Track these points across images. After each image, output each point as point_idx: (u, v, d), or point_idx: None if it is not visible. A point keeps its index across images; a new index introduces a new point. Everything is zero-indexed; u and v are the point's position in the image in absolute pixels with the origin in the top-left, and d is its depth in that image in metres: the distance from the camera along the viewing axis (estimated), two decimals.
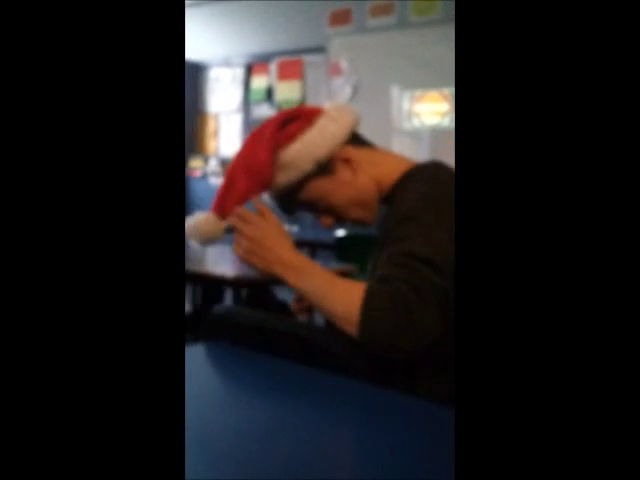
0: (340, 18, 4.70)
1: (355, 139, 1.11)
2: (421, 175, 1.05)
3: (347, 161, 1.09)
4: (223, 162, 5.46)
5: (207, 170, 5.44)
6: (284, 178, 1.07)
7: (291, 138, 1.06)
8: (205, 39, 5.73)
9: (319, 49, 4.83)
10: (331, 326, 0.95)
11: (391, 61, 4.33)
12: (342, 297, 0.90)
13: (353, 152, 1.09)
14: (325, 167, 1.08)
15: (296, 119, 1.09)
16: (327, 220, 1.13)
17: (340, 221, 1.13)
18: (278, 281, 0.96)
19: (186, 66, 5.65)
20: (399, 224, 0.95)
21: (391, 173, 1.09)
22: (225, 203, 1.05)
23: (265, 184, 1.05)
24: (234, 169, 1.06)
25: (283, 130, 1.07)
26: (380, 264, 0.93)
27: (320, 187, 1.09)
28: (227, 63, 5.61)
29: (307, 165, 1.06)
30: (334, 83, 4.69)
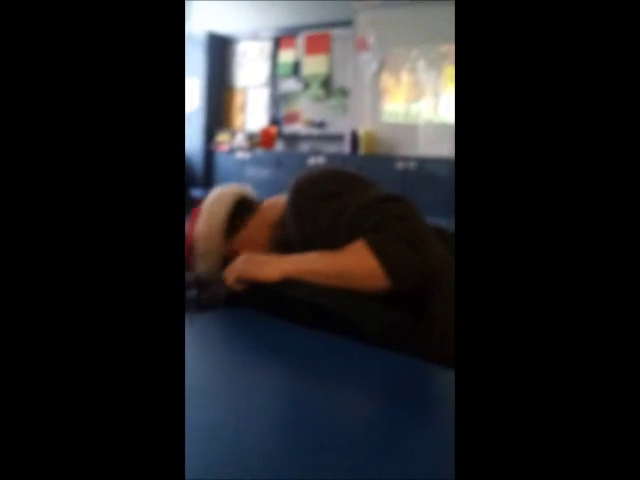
0: None
1: (242, 207, 1.22)
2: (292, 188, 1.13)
3: (230, 242, 1.20)
4: (250, 137, 5.49)
5: (234, 145, 5.48)
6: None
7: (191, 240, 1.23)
8: (233, 13, 5.72)
9: (346, 23, 4.80)
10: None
11: (418, 35, 4.29)
12: (353, 261, 0.94)
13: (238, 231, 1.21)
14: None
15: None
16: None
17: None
18: (280, 285, 0.99)
19: (214, 40, 5.66)
20: (316, 217, 1.02)
21: (276, 210, 1.18)
22: None
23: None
24: None
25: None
26: (347, 230, 0.99)
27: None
28: (255, 37, 5.60)
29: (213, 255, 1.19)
30: (361, 57, 4.66)
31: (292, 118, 5.35)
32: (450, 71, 4.20)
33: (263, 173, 5.05)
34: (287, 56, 5.38)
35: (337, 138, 4.91)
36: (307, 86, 5.17)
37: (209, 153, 5.61)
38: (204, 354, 0.87)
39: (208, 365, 0.82)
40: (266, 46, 5.55)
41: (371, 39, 4.59)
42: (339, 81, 4.97)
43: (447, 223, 1.10)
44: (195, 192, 3.09)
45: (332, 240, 1.02)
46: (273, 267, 0.99)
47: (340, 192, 1.01)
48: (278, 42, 5.46)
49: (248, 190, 1.28)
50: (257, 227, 1.20)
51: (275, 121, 5.48)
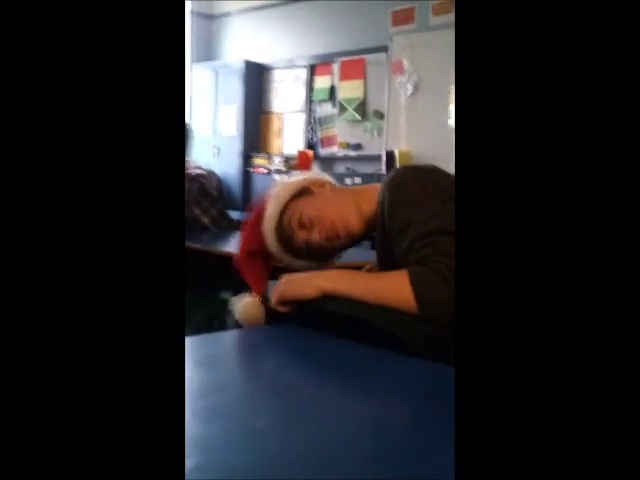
0: (403, 17, 4.73)
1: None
2: (387, 183, 1.14)
3: (322, 185, 1.24)
4: (287, 160, 5.58)
5: (271, 168, 5.58)
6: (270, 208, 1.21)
7: None
8: (269, 41, 5.86)
9: (381, 48, 4.87)
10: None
11: (452, 59, 4.32)
12: (390, 286, 0.97)
13: (329, 185, 1.26)
14: (303, 192, 1.23)
15: None
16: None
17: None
18: (320, 301, 1.01)
19: (251, 68, 5.80)
20: (393, 217, 1.07)
21: (373, 200, 1.18)
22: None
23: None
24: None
25: None
26: (401, 259, 1.02)
27: (300, 205, 1.20)
28: (291, 64, 5.72)
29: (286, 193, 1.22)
30: (395, 81, 4.72)
31: (328, 141, 5.42)
32: None
33: None
34: (323, 82, 5.48)
35: (373, 159, 4.96)
36: (343, 110, 5.25)
37: (247, 176, 5.72)
38: (250, 368, 0.91)
39: (254, 378, 0.86)
40: (302, 73, 5.66)
41: (406, 62, 4.65)
42: (374, 104, 5.03)
43: None
44: (233, 214, 3.16)
45: (392, 251, 1.07)
46: (312, 285, 1.03)
47: (418, 201, 1.06)
48: (313, 69, 5.57)
49: (325, 177, 1.30)
50: (345, 197, 1.23)
51: (311, 145, 5.56)
